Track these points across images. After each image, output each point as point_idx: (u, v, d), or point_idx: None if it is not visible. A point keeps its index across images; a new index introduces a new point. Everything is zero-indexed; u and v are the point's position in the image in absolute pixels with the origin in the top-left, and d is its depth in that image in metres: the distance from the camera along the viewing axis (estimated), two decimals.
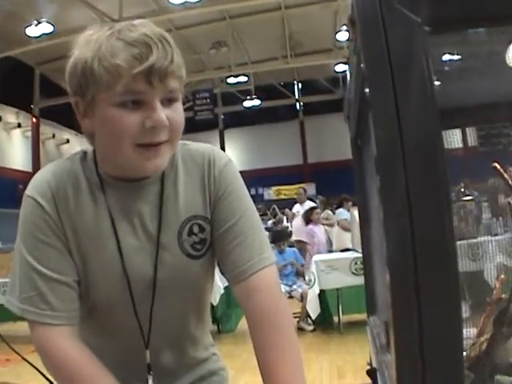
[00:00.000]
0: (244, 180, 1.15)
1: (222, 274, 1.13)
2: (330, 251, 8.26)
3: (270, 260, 1.09)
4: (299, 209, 9.50)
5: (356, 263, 5.65)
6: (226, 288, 5.99)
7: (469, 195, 1.28)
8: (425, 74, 0.66)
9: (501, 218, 1.23)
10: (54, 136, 20.49)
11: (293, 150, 22.22)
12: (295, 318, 6.23)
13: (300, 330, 6.19)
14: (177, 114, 1.01)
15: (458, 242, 1.04)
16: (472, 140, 1.19)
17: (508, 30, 0.80)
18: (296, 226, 9.28)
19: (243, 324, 5.90)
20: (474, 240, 1.22)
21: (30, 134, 19.29)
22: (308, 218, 8.49)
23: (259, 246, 1.09)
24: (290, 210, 11.49)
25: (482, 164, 1.24)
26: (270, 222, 13.03)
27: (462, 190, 1.27)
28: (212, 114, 18.45)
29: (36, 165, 19.36)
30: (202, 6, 13.53)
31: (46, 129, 20.14)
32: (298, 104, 22.83)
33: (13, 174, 17.94)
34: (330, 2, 14.12)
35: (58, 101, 19.29)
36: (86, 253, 1.06)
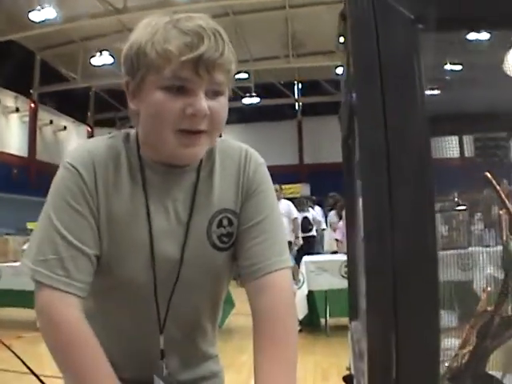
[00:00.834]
0: None
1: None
2: None
3: (287, 263, 1.12)
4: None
5: (346, 266, 5.65)
6: None
7: (461, 205, 1.27)
8: (415, 73, 0.65)
9: (493, 230, 1.22)
10: (51, 122, 20.44)
11: (289, 149, 22.22)
12: None
13: None
14: (220, 106, 1.03)
15: (449, 252, 1.03)
16: (467, 149, 1.17)
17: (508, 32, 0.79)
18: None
19: (230, 321, 5.91)
20: (464, 250, 1.21)
21: (27, 119, 19.24)
22: (339, 213, 8.03)
23: (279, 247, 1.12)
24: None
25: (475, 174, 1.23)
26: None
27: (456, 199, 1.27)
28: None
29: (32, 150, 19.34)
30: (206, 1, 13.53)
31: (44, 115, 20.10)
32: (297, 104, 22.87)
33: (8, 158, 17.92)
34: (338, 3, 14.10)
35: (58, 87, 19.30)
36: (116, 229, 1.07)
